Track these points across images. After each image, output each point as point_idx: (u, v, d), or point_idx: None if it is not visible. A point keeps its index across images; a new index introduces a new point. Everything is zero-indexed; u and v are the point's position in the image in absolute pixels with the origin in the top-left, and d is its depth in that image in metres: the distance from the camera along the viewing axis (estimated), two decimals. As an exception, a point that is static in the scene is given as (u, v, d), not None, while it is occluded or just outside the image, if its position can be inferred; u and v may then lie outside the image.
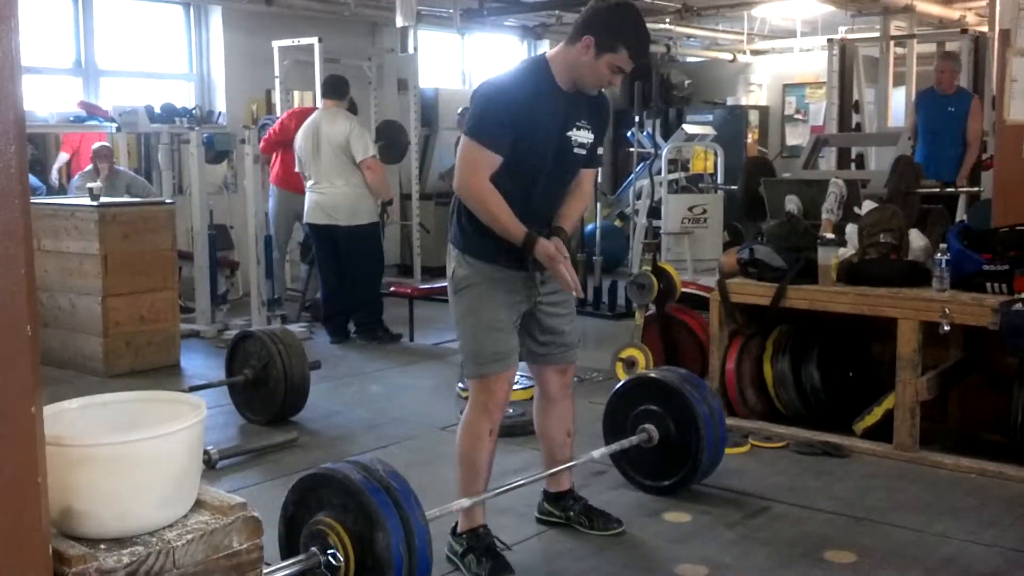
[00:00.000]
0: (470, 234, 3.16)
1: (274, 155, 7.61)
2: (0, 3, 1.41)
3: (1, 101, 1.43)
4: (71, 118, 7.83)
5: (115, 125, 7.69)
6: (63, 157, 8.28)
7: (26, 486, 1.53)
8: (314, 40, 8.53)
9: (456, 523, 3.28)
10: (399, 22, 8.46)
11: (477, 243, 3.15)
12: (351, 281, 6.91)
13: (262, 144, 7.53)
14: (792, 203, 5.38)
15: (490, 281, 3.17)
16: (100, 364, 6.05)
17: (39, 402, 1.55)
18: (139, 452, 1.79)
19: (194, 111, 7.93)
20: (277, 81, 8.79)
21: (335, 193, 6.67)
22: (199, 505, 1.94)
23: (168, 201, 6.77)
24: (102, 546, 1.78)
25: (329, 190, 6.67)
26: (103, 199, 6.22)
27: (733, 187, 7.55)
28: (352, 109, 7.13)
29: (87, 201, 6.17)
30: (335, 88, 6.88)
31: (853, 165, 8.67)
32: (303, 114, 7.40)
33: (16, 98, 1.45)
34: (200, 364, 6.42)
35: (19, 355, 1.50)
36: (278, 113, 8.49)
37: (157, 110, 7.84)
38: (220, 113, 8.87)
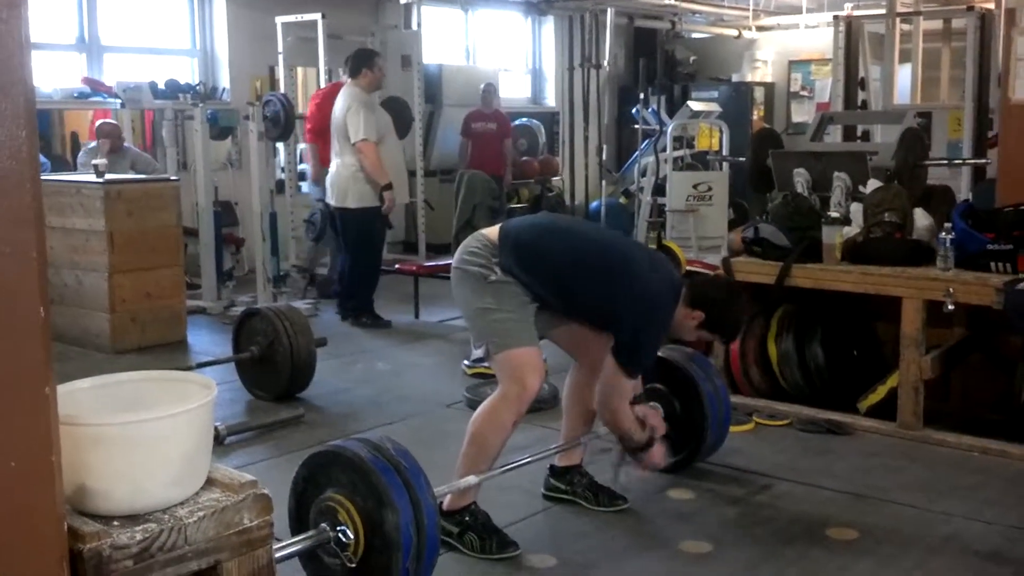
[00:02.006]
0: (522, 279, 3.24)
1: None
2: (8, 16, 1.42)
3: (12, 87, 1.43)
4: (75, 94, 7.85)
5: (119, 101, 7.70)
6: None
7: (41, 464, 1.56)
8: (317, 16, 8.50)
9: (441, 503, 3.20)
10: (403, -2, 8.42)
11: (524, 282, 3.25)
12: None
13: (307, 136, 7.62)
14: (801, 177, 5.36)
15: (522, 287, 3.24)
16: (106, 341, 6.07)
17: (53, 382, 1.57)
18: (151, 431, 1.81)
19: (198, 87, 7.93)
20: (280, 57, 8.77)
21: (332, 173, 6.71)
22: (210, 483, 1.96)
23: (173, 178, 6.77)
24: (115, 523, 1.81)
25: (331, 169, 6.71)
26: (108, 176, 6.23)
27: (741, 159, 7.53)
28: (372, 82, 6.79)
29: (92, 178, 6.18)
30: (348, 64, 6.75)
31: (859, 142, 8.64)
32: (324, 95, 7.42)
33: (27, 84, 1.46)
34: (206, 340, 6.45)
35: (32, 337, 1.52)
36: (281, 89, 8.48)
37: (161, 86, 7.86)
38: (224, 89, 8.87)
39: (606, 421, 3.44)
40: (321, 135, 7.35)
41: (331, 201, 6.75)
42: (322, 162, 7.38)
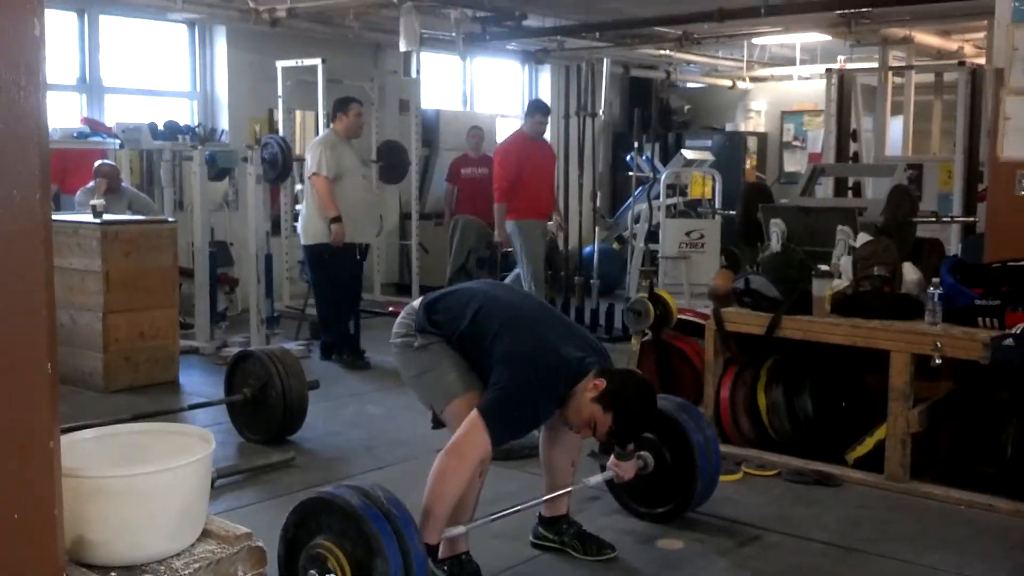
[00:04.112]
0: (439, 325, 3.35)
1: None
2: (27, 83, 1.47)
3: (28, 152, 1.48)
4: (75, 134, 7.92)
5: (118, 141, 7.77)
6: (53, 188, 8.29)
7: (43, 518, 1.58)
8: (317, 61, 8.62)
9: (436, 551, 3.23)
10: (403, 46, 8.52)
11: (440, 330, 3.36)
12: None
13: (498, 195, 7.78)
14: (777, 227, 5.43)
15: (444, 344, 3.34)
16: (99, 380, 6.09)
17: (57, 436, 1.60)
18: (150, 484, 1.84)
19: (197, 129, 8.01)
20: (280, 101, 8.87)
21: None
22: (206, 534, 1.99)
23: (170, 220, 6.82)
24: (112, 574, 1.83)
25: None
26: (106, 216, 6.28)
27: (731, 212, 7.62)
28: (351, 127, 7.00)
29: (90, 218, 6.23)
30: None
31: (850, 193, 8.75)
32: (505, 151, 7.79)
33: (43, 148, 1.51)
34: (198, 381, 6.46)
35: (39, 392, 1.55)
36: (280, 132, 8.56)
37: (160, 127, 7.93)
38: (223, 131, 8.95)
39: (432, 476, 3.15)
40: (508, 193, 7.69)
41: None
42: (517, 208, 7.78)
